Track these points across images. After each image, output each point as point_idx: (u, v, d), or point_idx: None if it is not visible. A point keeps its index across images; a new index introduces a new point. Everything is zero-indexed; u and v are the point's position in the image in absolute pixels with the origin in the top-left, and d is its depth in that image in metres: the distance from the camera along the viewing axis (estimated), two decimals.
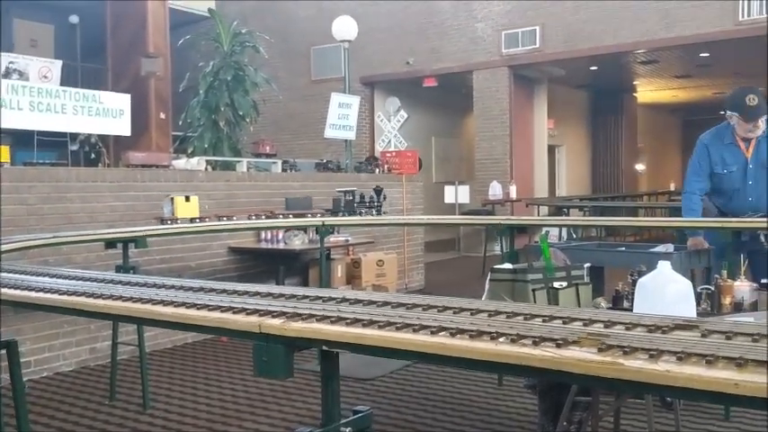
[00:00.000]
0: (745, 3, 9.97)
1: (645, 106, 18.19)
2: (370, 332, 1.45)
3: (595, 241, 8.55)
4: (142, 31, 10.78)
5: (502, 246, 5.00)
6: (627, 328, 1.43)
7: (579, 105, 16.62)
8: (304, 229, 6.28)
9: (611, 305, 3.30)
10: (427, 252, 10.41)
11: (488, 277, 3.41)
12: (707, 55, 12.13)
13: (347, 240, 6.74)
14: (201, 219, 5.04)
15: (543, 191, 13.53)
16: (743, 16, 10.00)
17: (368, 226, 6.77)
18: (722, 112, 4.30)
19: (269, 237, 6.54)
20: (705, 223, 4.23)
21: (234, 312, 1.69)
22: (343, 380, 4.66)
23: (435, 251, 12.26)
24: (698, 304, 3.13)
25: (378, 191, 5.54)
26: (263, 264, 6.67)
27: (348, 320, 1.53)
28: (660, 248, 4.46)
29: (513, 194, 11.56)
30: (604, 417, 3.35)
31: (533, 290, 3.19)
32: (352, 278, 7.18)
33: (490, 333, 1.37)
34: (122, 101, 5.90)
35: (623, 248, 5.05)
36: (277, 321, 1.57)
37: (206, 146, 8.58)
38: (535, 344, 1.31)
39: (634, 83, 15.65)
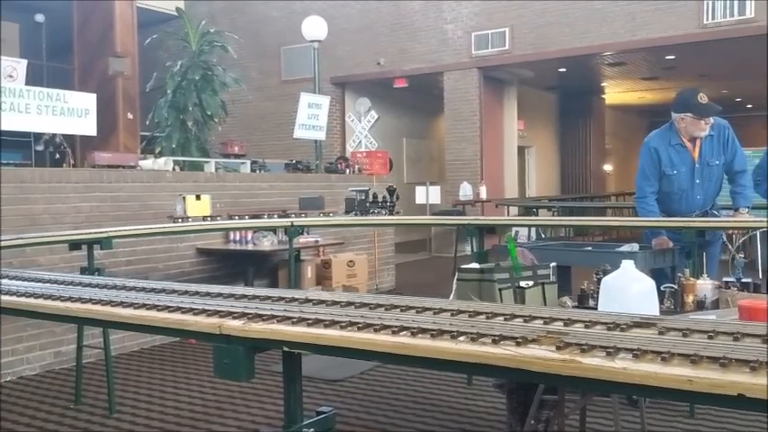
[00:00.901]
0: (710, 6, 10.16)
1: (613, 108, 18.43)
2: (331, 333, 1.44)
3: (564, 241, 8.65)
4: (109, 30, 10.62)
5: (472, 246, 5.02)
6: (586, 326, 1.44)
7: (548, 107, 16.79)
8: (273, 229, 6.24)
9: (576, 304, 3.33)
10: (398, 253, 10.41)
11: (456, 277, 3.42)
12: (672, 57, 12.33)
13: (317, 241, 6.71)
14: (213, 217, 5.03)
15: (513, 191, 13.63)
16: (707, 19, 10.19)
17: (337, 227, 6.75)
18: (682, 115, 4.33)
19: (238, 238, 6.50)
20: (670, 222, 4.29)
21: (194, 314, 1.67)
22: (312, 381, 4.67)
23: (407, 252, 12.28)
24: (661, 303, 3.18)
25: (391, 191, 5.42)
26: (231, 265, 6.62)
27: (309, 321, 1.52)
28: (625, 248, 4.50)
29: (484, 195, 11.63)
30: (570, 415, 3.39)
31: (500, 289, 3.21)
32: (323, 279, 7.15)
33: (451, 332, 1.37)
34: (88, 100, 5.81)
35: (589, 248, 5.10)
36: (238, 323, 1.55)
37: (174, 146, 8.49)
38: (495, 342, 1.31)
39: (602, 85, 15.85)
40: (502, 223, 6.86)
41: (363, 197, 5.49)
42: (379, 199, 5.54)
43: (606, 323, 1.45)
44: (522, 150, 15.02)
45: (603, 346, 1.26)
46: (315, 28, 8.97)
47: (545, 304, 3.27)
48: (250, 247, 6.40)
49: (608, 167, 18.24)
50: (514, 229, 10.38)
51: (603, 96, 17.19)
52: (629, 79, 15.03)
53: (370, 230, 8.34)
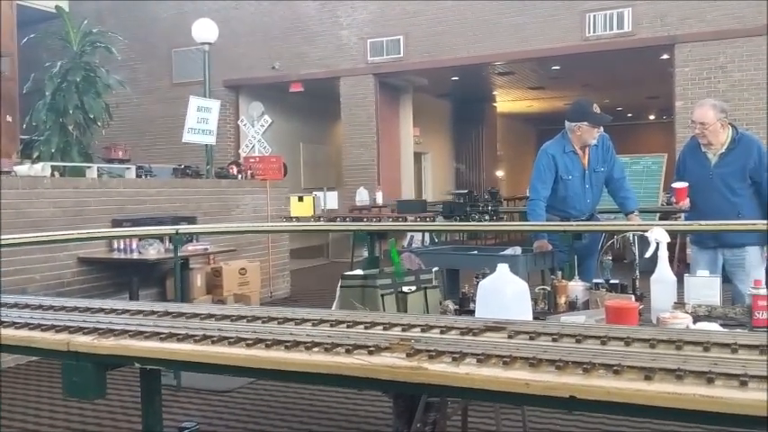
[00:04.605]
0: (591, 20, 10.69)
1: (503, 116, 19.03)
2: (183, 347, 1.40)
3: (458, 245, 8.83)
4: None
5: (371, 251, 5.06)
6: (441, 332, 1.47)
7: (443, 114, 17.14)
8: (160, 237, 6.05)
9: (458, 307, 3.40)
10: (296, 259, 10.33)
11: (339, 284, 3.42)
12: (558, 68, 12.89)
13: (206, 249, 6.54)
14: (316, 218, 4.89)
15: (410, 197, 13.80)
16: (589, 32, 10.71)
17: (223, 234, 6.61)
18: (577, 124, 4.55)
19: (122, 246, 6.24)
20: (555, 226, 4.48)
21: (43, 330, 1.58)
22: (199, 393, 4.55)
23: (304, 258, 12.21)
24: (536, 304, 3.29)
25: (493, 193, 5.00)
26: (115, 275, 6.35)
27: (162, 335, 1.47)
28: (509, 251, 4.65)
29: (380, 200, 11.70)
30: (452, 416, 3.46)
31: (382, 295, 3.23)
32: (213, 288, 6.98)
33: (306, 343, 1.36)
34: None
35: (475, 252, 5.22)
36: (87, 338, 1.48)
37: (53, 151, 8.08)
38: (348, 352, 1.32)
39: (493, 93, 16.33)
40: (394, 228, 6.90)
41: (462, 200, 5.05)
42: (480, 202, 5.06)
43: (460, 328, 1.49)
44: (418, 156, 15.25)
45: (451, 352, 1.28)
46: (205, 30, 8.76)
47: (427, 309, 3.32)
48: (135, 255, 6.16)
49: (500, 173, 18.83)
50: (409, 234, 10.54)
51: (495, 104, 17.72)
52: (518, 88, 15.57)
53: (263, 237, 8.23)
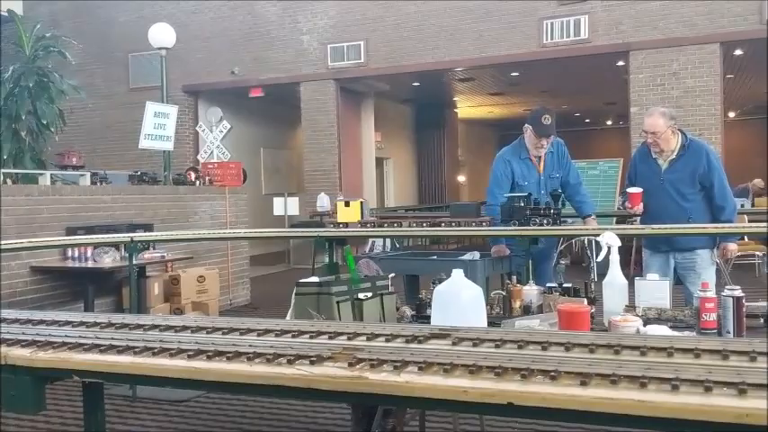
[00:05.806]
0: (548, 27, 10.85)
1: (464, 121, 19.18)
2: (122, 359, 1.38)
3: (417, 250, 8.84)
4: None
5: (330, 257, 5.04)
6: (387, 340, 1.47)
7: (404, 119, 17.20)
8: (115, 245, 5.94)
9: (414, 313, 3.41)
10: (257, 265, 10.26)
11: (294, 291, 3.40)
12: (517, 74, 13.04)
13: (163, 256, 6.45)
14: (363, 224, 4.80)
15: (372, 202, 13.82)
16: (546, 39, 10.86)
17: (180, 241, 6.53)
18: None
19: (76, 254, 6.12)
20: (514, 231, 4.51)
21: None
22: (157, 403, 4.48)
23: (265, 264, 12.13)
24: (492, 308, 3.32)
25: (555, 196, 4.68)
26: (70, 284, 6.22)
27: (102, 348, 1.45)
28: (467, 256, 4.68)
29: None
30: (410, 421, 3.46)
31: (338, 302, 3.21)
32: (171, 296, 6.89)
33: (248, 354, 1.35)
34: None
35: (434, 257, 5.24)
36: (24, 352, 1.45)
37: (5, 157, 7.89)
38: (290, 362, 1.31)
39: (454, 99, 16.45)
40: (351, 234, 6.88)
41: (521, 204, 4.75)
42: (542, 206, 4.79)
43: (406, 336, 1.49)
44: (380, 161, 15.28)
45: (393, 361, 1.28)
46: (162, 35, 8.66)
47: (383, 315, 3.32)
48: (90, 264, 6.05)
49: (461, 178, 18.96)
50: (371, 239, 10.53)
51: (456, 110, 17.85)
52: (479, 94, 15.70)
53: (222, 244, 8.14)
